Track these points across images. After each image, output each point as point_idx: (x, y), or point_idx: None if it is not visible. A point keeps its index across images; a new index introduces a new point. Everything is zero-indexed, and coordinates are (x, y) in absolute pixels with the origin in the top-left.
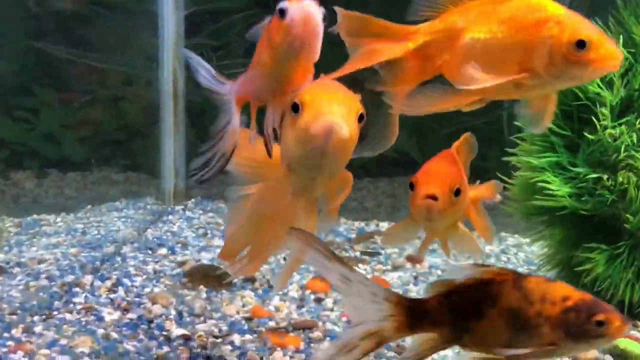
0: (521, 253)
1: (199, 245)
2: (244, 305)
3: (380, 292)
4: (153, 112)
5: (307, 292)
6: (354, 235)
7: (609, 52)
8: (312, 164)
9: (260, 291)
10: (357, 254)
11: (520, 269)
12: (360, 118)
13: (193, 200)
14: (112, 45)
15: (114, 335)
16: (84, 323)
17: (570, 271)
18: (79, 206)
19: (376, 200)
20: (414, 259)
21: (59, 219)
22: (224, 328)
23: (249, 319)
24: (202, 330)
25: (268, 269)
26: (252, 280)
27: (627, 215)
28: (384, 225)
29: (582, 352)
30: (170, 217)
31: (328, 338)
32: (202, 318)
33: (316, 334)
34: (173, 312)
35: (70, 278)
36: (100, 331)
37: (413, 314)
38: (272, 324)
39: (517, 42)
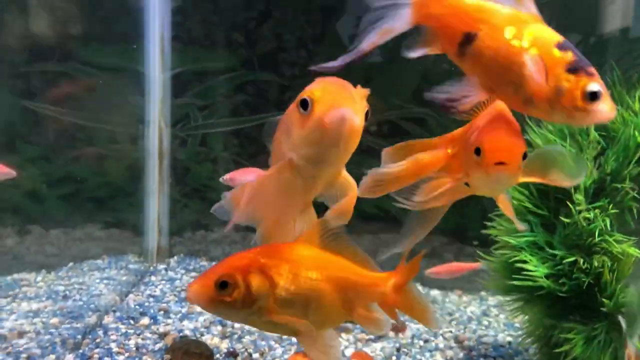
0: (502, 315)
1: (181, 312)
2: None
3: None
4: (138, 170)
5: None
6: None
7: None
8: (322, 156)
9: None
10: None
11: (501, 335)
12: (366, 115)
13: (175, 257)
14: (99, 104)
15: None
16: None
17: (550, 348)
18: (61, 263)
19: None
20: (397, 328)
21: (39, 278)
22: None
23: None
24: None
25: (250, 340)
26: (234, 355)
27: (603, 300)
28: None
29: None
30: (152, 277)
31: None
32: None
33: None
34: None
35: (51, 358)
36: None
37: None
38: None
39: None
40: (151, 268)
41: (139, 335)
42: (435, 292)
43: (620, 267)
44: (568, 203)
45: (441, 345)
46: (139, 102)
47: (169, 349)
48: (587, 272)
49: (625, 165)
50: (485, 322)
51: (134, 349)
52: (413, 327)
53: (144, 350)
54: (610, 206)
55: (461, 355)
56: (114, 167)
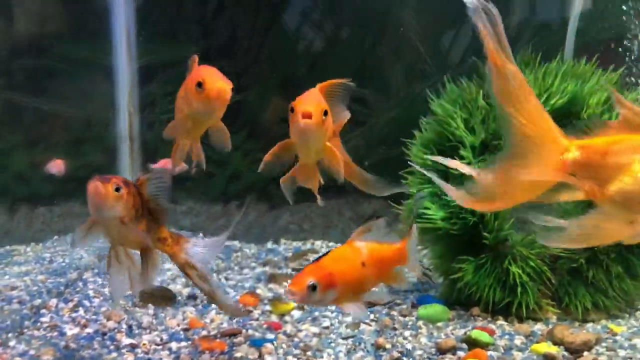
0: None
1: None
2: (184, 319)
3: None
4: (111, 151)
5: (240, 305)
6: (290, 254)
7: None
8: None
9: (200, 307)
10: (290, 270)
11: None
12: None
13: None
14: (74, 94)
15: (73, 346)
16: (49, 337)
17: (451, 279)
18: (47, 237)
19: (312, 222)
20: None
21: (29, 249)
22: (165, 337)
23: (186, 330)
24: (147, 340)
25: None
26: (194, 297)
27: (485, 234)
28: (318, 244)
29: None
30: None
31: (248, 342)
32: (148, 330)
33: (239, 339)
34: (124, 326)
35: (38, 301)
36: (62, 343)
37: None
38: (204, 332)
39: None
40: None
41: None
42: None
43: None
44: (456, 158)
45: None
46: (110, 91)
47: (138, 294)
48: (473, 213)
49: None
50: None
51: (109, 294)
52: None
53: None
54: (491, 158)
55: (384, 290)
56: (91, 150)
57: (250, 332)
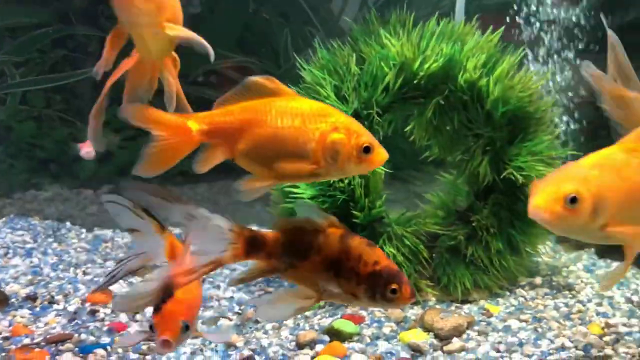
0: None
1: None
2: (10, 325)
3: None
4: None
5: (87, 304)
6: None
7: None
8: None
9: (38, 309)
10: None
11: None
12: None
13: (4, 218)
14: None
15: None
16: None
17: None
18: None
19: (196, 204)
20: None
21: None
22: None
23: (6, 338)
24: None
25: (56, 286)
26: (33, 299)
27: (356, 212)
28: None
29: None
30: None
31: (76, 349)
32: None
33: (67, 345)
34: None
35: None
36: None
37: (251, 244)
38: (27, 340)
39: None
40: None
41: None
42: None
43: (371, 183)
44: None
45: None
46: None
47: None
48: (342, 191)
49: (375, 93)
50: None
51: None
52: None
53: None
54: None
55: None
56: None
57: (84, 336)
